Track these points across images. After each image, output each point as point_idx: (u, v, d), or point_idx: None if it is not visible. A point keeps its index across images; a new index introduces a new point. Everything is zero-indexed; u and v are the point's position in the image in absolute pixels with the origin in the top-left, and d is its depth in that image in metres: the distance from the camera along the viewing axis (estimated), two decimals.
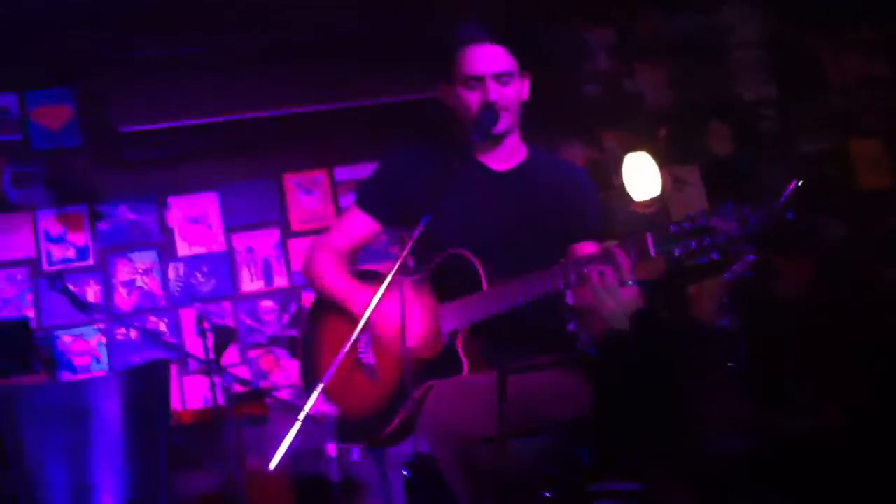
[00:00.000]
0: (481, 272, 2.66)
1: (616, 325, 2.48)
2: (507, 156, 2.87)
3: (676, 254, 2.32)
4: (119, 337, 4.89)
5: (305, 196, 5.25)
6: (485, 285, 2.65)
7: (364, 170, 5.14)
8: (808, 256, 5.47)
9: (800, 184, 2.46)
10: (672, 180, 5.53)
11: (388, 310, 2.71)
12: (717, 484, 2.65)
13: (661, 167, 5.24)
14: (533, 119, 2.97)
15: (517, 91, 2.79)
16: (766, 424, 2.93)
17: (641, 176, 5.18)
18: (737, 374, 2.94)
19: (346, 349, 2.49)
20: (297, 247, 5.15)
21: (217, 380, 3.69)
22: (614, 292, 2.42)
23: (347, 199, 5.20)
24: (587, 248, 2.85)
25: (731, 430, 2.72)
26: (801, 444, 3.26)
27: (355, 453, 2.95)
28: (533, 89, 2.87)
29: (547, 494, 2.38)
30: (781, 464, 2.99)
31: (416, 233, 2.54)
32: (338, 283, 2.91)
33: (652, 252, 2.37)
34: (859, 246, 5.62)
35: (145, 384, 3.45)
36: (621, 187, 5.24)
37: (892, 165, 5.72)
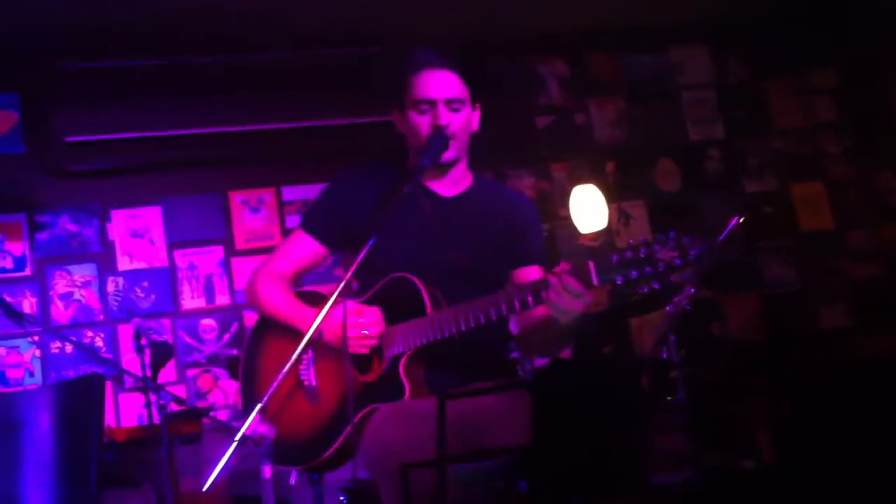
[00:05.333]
0: (425, 297, 2.65)
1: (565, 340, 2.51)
2: (453, 182, 2.87)
3: (618, 282, 2.35)
4: (54, 350, 4.79)
5: (251, 214, 5.21)
6: (429, 310, 2.64)
7: (312, 190, 5.14)
8: (753, 296, 5.56)
9: (741, 220, 2.49)
10: (618, 214, 5.59)
11: (336, 328, 2.69)
12: None
13: (607, 201, 5.29)
14: (485, 148, 2.99)
15: (467, 119, 2.79)
16: (702, 461, 2.95)
17: (588, 209, 5.22)
18: (676, 408, 2.96)
19: (287, 368, 2.47)
20: (241, 265, 5.11)
21: (153, 397, 3.63)
22: (568, 309, 2.44)
23: (294, 220, 5.16)
24: (530, 272, 2.87)
25: (669, 463, 2.74)
26: (737, 480, 3.28)
27: (292, 477, 2.91)
28: (485, 120, 2.88)
29: None
30: (716, 499, 3.01)
31: (361, 255, 2.53)
32: (282, 303, 2.88)
33: (594, 280, 2.40)
34: (800, 287, 5.72)
35: (78, 399, 3.38)
36: (568, 219, 5.28)
37: (832, 209, 5.84)
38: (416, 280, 2.67)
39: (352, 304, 2.69)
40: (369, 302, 2.77)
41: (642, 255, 2.31)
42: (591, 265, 2.39)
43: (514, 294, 2.51)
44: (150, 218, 5.06)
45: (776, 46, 5.82)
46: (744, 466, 3.39)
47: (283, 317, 2.85)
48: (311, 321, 2.51)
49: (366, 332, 2.67)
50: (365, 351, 2.69)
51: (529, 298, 2.49)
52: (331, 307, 2.51)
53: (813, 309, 5.69)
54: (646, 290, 2.33)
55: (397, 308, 2.69)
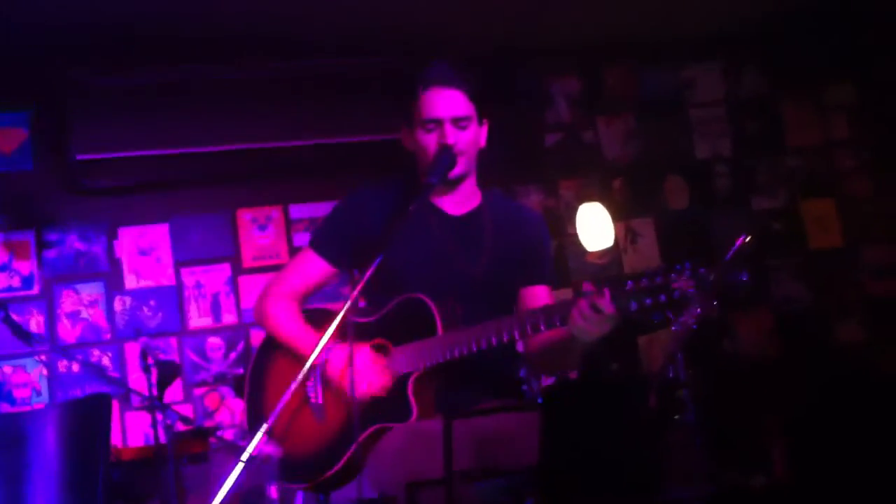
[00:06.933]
0: (437, 317, 2.65)
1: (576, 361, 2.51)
2: (462, 200, 2.87)
3: (632, 309, 2.36)
4: (61, 370, 4.78)
5: (259, 232, 5.21)
6: (440, 330, 2.64)
7: (319, 208, 5.14)
8: (763, 313, 5.53)
9: (748, 239, 2.48)
10: (626, 232, 5.57)
11: (340, 350, 2.69)
12: None
13: (615, 219, 5.27)
14: (492, 165, 2.98)
15: (474, 136, 2.79)
16: (714, 478, 2.93)
17: (595, 227, 5.21)
18: (686, 427, 2.94)
19: (294, 387, 2.47)
20: (248, 283, 5.10)
21: (159, 417, 3.62)
22: (595, 332, 2.48)
23: (301, 237, 5.16)
24: (539, 291, 2.87)
25: (679, 482, 2.72)
26: (751, 497, 3.26)
27: (298, 497, 2.90)
28: (493, 136, 2.88)
29: None
30: None
31: (367, 274, 2.53)
32: (289, 327, 2.89)
33: (610, 307, 2.42)
34: (810, 305, 5.69)
35: (85, 418, 3.36)
36: (576, 236, 5.27)
37: (842, 227, 5.81)
38: (428, 300, 2.67)
39: (365, 351, 2.69)
40: (381, 321, 2.76)
41: (658, 283, 2.32)
42: (607, 291, 2.40)
43: (528, 320, 2.53)
44: (158, 236, 5.06)
45: (791, 61, 5.79)
46: (758, 484, 3.37)
47: (290, 342, 2.86)
48: (315, 345, 2.52)
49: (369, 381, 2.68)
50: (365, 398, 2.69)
51: (542, 325, 2.50)
52: (342, 347, 2.53)
53: (828, 324, 5.65)
54: (659, 318, 2.35)
55: (408, 327, 2.69)
